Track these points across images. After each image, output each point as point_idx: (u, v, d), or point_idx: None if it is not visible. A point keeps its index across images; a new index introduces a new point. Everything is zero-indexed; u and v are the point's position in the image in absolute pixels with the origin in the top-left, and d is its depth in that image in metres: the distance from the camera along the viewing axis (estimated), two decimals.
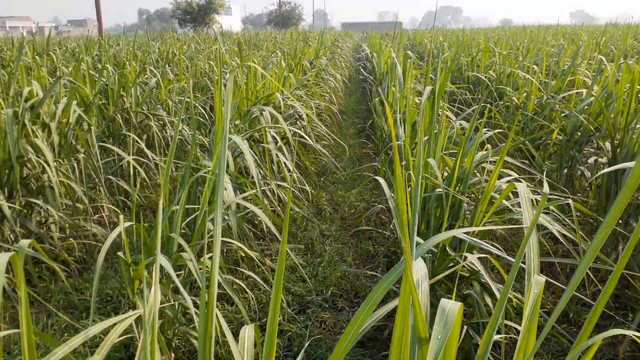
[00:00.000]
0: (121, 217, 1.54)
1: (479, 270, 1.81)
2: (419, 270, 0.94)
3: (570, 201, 1.58)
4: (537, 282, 0.77)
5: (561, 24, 13.38)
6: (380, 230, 3.01)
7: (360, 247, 2.85)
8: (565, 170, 3.04)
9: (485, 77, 4.82)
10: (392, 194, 2.31)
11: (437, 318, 0.57)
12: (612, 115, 2.66)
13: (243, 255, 2.55)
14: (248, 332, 1.10)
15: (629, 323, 2.05)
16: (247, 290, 1.97)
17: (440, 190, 1.87)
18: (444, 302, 0.60)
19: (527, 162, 3.46)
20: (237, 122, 3.14)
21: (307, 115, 4.20)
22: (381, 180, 1.94)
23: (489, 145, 1.92)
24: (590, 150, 2.99)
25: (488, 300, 1.80)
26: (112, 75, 3.88)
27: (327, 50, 7.50)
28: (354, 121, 6.24)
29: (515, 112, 3.97)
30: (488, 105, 3.26)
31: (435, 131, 2.35)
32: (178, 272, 2.11)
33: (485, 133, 2.17)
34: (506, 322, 1.69)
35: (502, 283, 2.31)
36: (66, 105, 3.05)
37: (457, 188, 2.02)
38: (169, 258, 1.96)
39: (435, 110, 2.18)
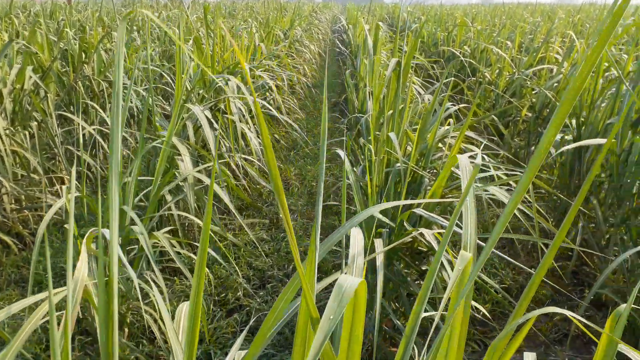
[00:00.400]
0: (64, 187, 1.46)
1: (437, 245, 1.79)
2: (356, 244, 0.90)
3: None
4: (462, 257, 0.73)
5: (540, 2, 13.37)
6: (347, 206, 2.97)
7: (327, 222, 2.82)
8: (533, 148, 3.04)
9: (460, 52, 4.77)
10: (355, 169, 2.27)
11: (331, 296, 0.53)
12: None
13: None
14: (185, 308, 1.05)
15: (580, 301, 2.07)
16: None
17: (400, 165, 1.83)
18: (341, 279, 0.55)
19: (496, 139, 3.46)
20: (201, 91, 3.04)
21: (276, 87, 4.10)
22: (342, 154, 1.89)
23: (451, 120, 1.88)
24: None
25: (446, 275, 1.79)
26: (73, 40, 3.71)
27: (303, 21, 7.32)
28: (329, 95, 6.14)
29: (487, 88, 3.95)
30: (455, 80, 3.22)
31: (402, 105, 2.30)
32: (134, 247, 2.04)
33: (449, 107, 2.13)
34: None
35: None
36: (20, 70, 2.89)
37: (420, 163, 1.98)
38: (121, 231, 1.89)
39: (400, 84, 2.12)
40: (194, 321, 0.75)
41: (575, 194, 2.44)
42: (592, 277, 2.22)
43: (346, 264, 0.99)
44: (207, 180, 1.86)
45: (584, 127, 2.45)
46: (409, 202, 0.93)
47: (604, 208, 2.23)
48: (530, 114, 3.19)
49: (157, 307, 1.78)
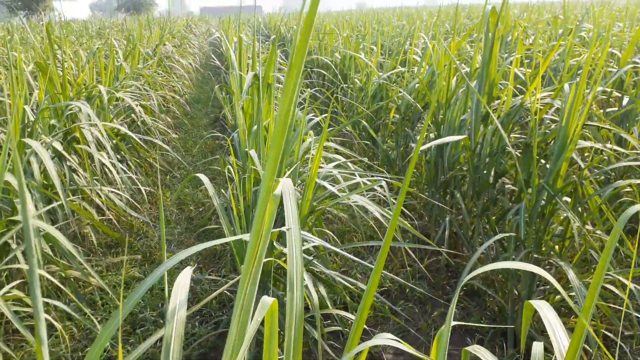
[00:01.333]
0: None
1: (311, 260, 1.75)
2: (178, 293, 0.80)
3: (383, 183, 1.57)
4: (264, 305, 0.67)
5: (405, 5, 14.26)
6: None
7: (207, 248, 2.67)
8: (402, 148, 3.15)
9: (332, 60, 4.86)
10: (223, 191, 2.17)
11: None
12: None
13: (65, 276, 2.22)
14: None
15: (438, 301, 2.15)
16: (54, 321, 1.69)
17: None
18: None
19: (369, 143, 3.54)
20: (53, 121, 2.73)
21: (145, 108, 3.86)
22: (203, 178, 1.77)
23: (311, 132, 1.85)
24: (422, 126, 3.12)
25: (323, 290, 1.74)
26: None
27: (174, 36, 7.03)
28: (209, 111, 5.95)
29: (359, 94, 4.05)
30: (326, 89, 3.25)
31: (268, 119, 2.24)
32: None
33: (312, 119, 2.11)
34: (340, 312, 1.66)
35: (343, 272, 2.30)
36: None
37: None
38: None
39: (261, 97, 2.06)
40: None
41: (442, 190, 2.56)
42: (463, 268, 2.32)
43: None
44: (46, 227, 1.64)
45: (442, 126, 2.57)
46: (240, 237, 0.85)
47: (467, 200, 2.34)
48: (397, 116, 3.30)
49: None
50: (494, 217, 2.18)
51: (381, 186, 1.79)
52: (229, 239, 0.94)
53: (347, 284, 1.73)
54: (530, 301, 0.99)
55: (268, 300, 0.68)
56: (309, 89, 3.71)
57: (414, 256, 1.88)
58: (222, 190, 2.41)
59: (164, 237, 0.90)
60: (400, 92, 3.41)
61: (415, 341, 1.88)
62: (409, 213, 2.65)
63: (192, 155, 4.28)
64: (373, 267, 1.96)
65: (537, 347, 0.97)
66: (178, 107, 5.22)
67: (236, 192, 2.16)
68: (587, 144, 1.86)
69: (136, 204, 2.98)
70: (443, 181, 2.46)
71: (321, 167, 1.86)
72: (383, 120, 3.46)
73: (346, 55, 4.41)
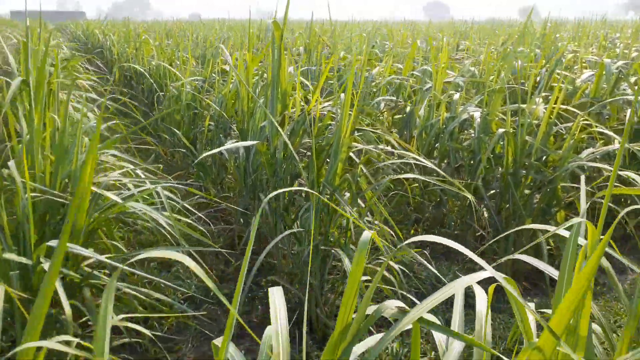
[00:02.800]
0: None
1: (91, 272, 1.66)
2: None
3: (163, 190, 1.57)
4: None
5: (232, 18, 14.49)
6: None
7: None
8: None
9: (148, 69, 4.71)
10: None
11: None
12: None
13: None
14: None
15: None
16: None
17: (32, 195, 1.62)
18: None
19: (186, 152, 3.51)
20: None
21: None
22: None
23: (87, 139, 1.77)
24: (234, 134, 3.20)
25: None
26: None
27: None
28: None
29: (177, 102, 3.98)
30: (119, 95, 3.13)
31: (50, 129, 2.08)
32: None
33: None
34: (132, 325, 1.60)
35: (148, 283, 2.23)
36: None
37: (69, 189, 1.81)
38: None
39: (41, 103, 1.90)
40: None
41: (251, 192, 2.64)
42: (270, 265, 2.42)
43: None
44: None
45: (249, 133, 2.66)
46: None
47: (271, 200, 2.45)
48: (212, 123, 3.33)
49: None
50: (293, 217, 2.32)
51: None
52: None
53: (140, 296, 1.69)
54: None
55: None
56: (120, 97, 3.51)
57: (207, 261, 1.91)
58: None
59: None
60: (211, 102, 3.45)
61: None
62: (204, 219, 2.68)
63: None
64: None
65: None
66: None
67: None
68: (360, 146, 2.09)
69: None
70: (250, 184, 2.55)
71: (105, 176, 1.79)
72: (200, 128, 3.46)
73: (159, 65, 4.31)
